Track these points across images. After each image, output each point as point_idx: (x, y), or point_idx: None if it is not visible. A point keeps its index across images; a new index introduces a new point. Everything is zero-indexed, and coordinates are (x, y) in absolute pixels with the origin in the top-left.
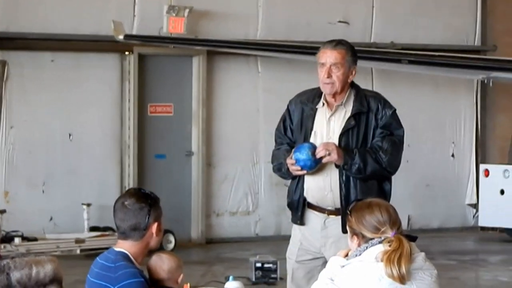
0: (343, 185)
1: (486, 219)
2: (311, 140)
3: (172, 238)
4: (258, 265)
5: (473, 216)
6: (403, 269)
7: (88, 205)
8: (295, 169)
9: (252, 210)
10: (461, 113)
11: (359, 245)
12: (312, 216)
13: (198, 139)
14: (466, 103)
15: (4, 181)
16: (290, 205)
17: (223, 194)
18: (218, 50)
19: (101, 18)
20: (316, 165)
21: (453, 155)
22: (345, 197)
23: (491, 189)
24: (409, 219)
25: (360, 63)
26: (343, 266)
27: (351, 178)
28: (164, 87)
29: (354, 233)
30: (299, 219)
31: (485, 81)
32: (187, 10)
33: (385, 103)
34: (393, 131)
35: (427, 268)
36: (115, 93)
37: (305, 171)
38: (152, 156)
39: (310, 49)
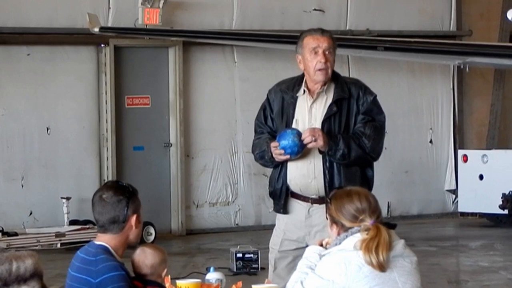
0: (327, 171)
1: (465, 205)
2: (293, 127)
3: (152, 230)
4: (239, 255)
5: (453, 202)
6: (381, 257)
7: (68, 198)
8: (278, 153)
9: (232, 200)
10: (438, 99)
11: (338, 234)
12: (295, 205)
13: (176, 130)
14: (443, 88)
15: None
16: (272, 194)
17: (202, 185)
18: (194, 40)
19: (76, 11)
20: (302, 150)
21: (431, 141)
22: (329, 184)
23: (470, 174)
24: (388, 206)
25: (336, 50)
26: (324, 255)
27: (334, 165)
28: (140, 79)
29: (334, 221)
30: (282, 207)
31: (461, 66)
32: (162, 1)
33: (366, 89)
34: (374, 117)
35: (407, 255)
36: (91, 86)
37: (287, 157)
38: (130, 148)
39: (285, 38)
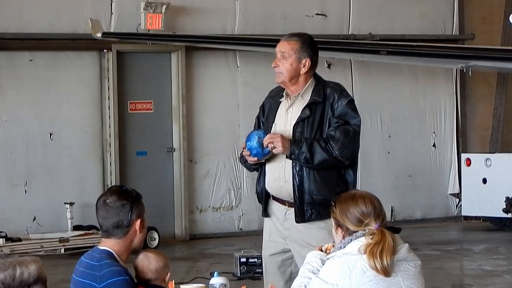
0: (296, 175)
1: (469, 209)
2: (272, 131)
3: (156, 235)
4: (243, 260)
5: (456, 206)
6: (385, 262)
7: (71, 204)
8: (245, 154)
9: (235, 205)
10: (441, 103)
11: (343, 237)
12: (275, 207)
13: (179, 135)
14: (446, 92)
15: None
16: (257, 198)
17: (205, 189)
18: (196, 45)
19: (78, 16)
20: (268, 152)
21: (434, 145)
22: (299, 187)
23: (473, 178)
24: (392, 210)
25: (339, 55)
26: (327, 259)
27: (304, 168)
28: (143, 84)
29: (338, 225)
30: (264, 211)
31: (464, 70)
32: (164, 6)
33: (342, 93)
34: (349, 120)
35: (411, 259)
36: (94, 91)
37: (255, 158)
38: (134, 153)
39: None
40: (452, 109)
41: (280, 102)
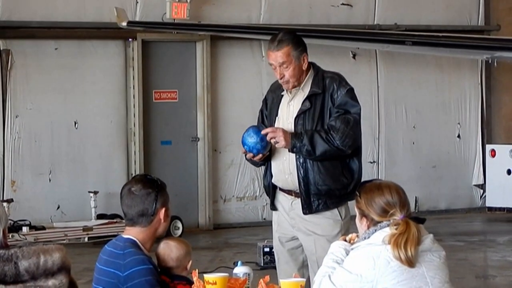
0: (300, 166)
1: (493, 200)
2: (276, 125)
3: (179, 224)
4: (266, 250)
5: (480, 197)
6: (410, 253)
7: (95, 192)
8: (250, 157)
9: (259, 195)
10: (466, 94)
11: (367, 228)
12: (282, 198)
13: (203, 125)
14: (471, 83)
15: (10, 170)
16: (265, 191)
17: (229, 179)
18: (221, 35)
19: (104, 5)
20: (265, 146)
21: (459, 136)
22: (304, 179)
23: (498, 169)
24: (416, 201)
25: (364, 45)
26: (352, 249)
27: (308, 160)
28: (168, 73)
29: (363, 215)
30: (271, 204)
31: (489, 61)
32: None
33: (341, 82)
34: (349, 109)
35: (435, 249)
36: (119, 80)
37: (261, 155)
38: (158, 143)
39: (313, 32)
40: (477, 100)
41: (282, 95)
